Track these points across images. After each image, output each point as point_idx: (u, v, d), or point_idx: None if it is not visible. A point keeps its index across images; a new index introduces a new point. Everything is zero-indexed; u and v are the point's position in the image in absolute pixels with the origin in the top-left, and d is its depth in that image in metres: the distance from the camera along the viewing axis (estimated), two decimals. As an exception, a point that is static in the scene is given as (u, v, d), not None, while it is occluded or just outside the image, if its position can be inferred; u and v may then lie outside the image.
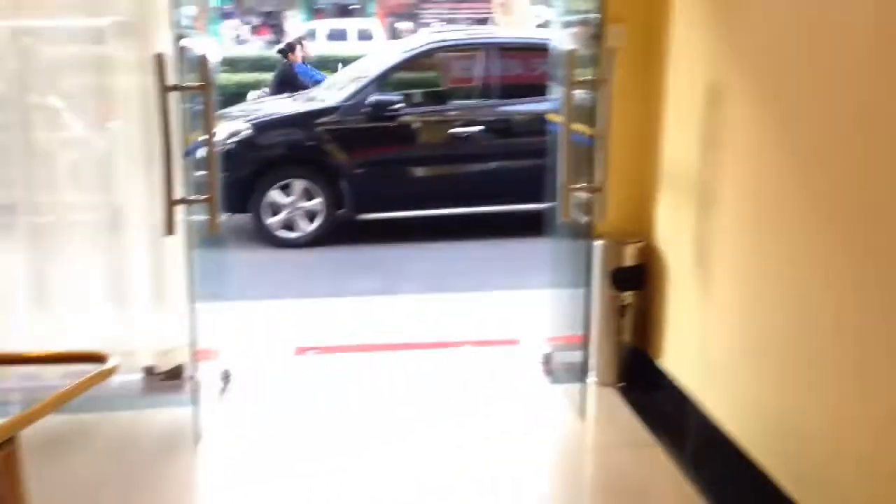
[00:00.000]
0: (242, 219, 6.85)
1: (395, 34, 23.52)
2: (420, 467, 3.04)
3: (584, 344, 3.51)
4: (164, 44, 3.23)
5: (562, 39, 3.78)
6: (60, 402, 1.98)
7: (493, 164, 7.09)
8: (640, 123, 3.59)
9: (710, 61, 3.08)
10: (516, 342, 4.26)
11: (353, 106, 6.97)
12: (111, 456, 3.09)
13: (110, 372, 2.16)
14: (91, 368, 2.18)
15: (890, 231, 2.10)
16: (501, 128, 7.16)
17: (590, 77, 3.30)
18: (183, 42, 3.28)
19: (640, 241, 3.57)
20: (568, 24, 3.83)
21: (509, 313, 4.81)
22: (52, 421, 2.02)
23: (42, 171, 3.42)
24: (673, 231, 3.45)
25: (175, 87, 3.08)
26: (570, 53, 3.30)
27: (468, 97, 7.40)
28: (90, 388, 2.13)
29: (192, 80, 3.17)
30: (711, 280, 3.08)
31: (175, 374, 3.60)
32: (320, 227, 6.88)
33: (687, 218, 3.25)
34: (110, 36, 3.40)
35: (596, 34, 3.38)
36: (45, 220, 3.43)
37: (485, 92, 7.33)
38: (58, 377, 3.32)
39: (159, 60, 2.98)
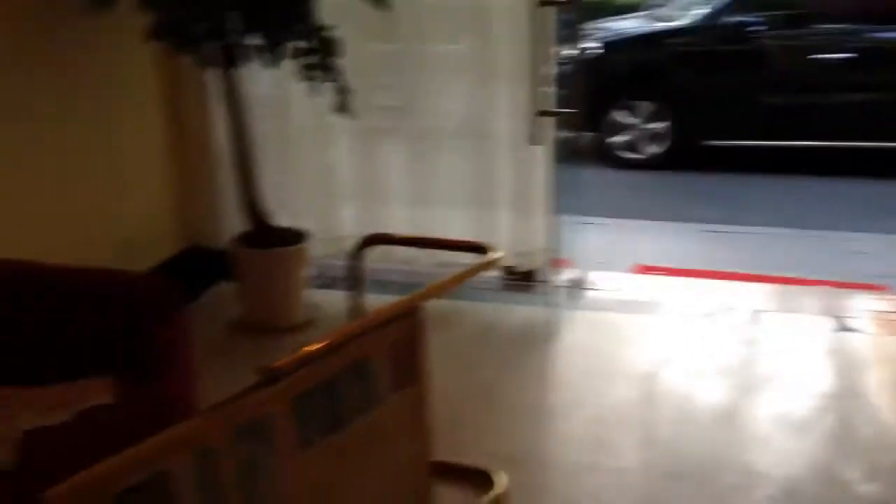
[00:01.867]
0: (586, 137, 6.96)
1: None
2: (770, 398, 3.01)
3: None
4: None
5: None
6: (456, 282, 2.21)
7: (859, 96, 6.51)
8: None
9: None
10: (881, 288, 3.96)
11: (707, 27, 6.73)
12: (478, 340, 3.40)
13: (495, 261, 2.37)
14: (472, 258, 2.41)
15: None
16: (873, 57, 6.52)
17: None
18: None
19: None
20: None
21: (867, 256, 4.48)
22: (429, 302, 2.28)
23: (426, 79, 3.71)
24: None
25: (548, 2, 3.20)
26: None
27: (833, 21, 6.80)
28: (477, 274, 2.36)
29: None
30: None
31: (530, 277, 3.83)
32: (663, 150, 6.80)
33: None
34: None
35: None
36: (425, 123, 3.74)
37: (854, 16, 6.68)
38: (430, 265, 3.70)
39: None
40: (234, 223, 3.75)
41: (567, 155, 3.60)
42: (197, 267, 3.80)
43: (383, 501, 2.03)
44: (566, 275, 3.87)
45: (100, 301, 2.17)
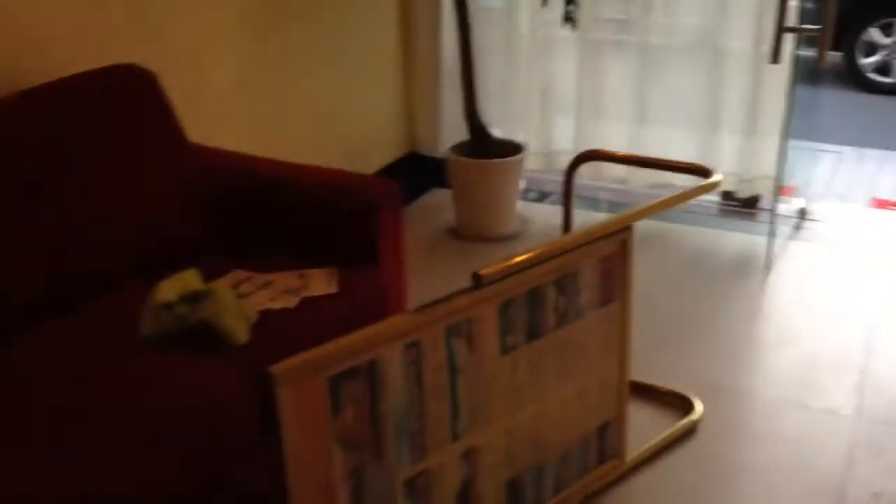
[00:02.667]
0: (832, 56, 6.42)
1: None
2: None
3: None
4: None
5: None
6: (672, 203, 2.17)
7: None
8: None
9: None
10: None
11: None
12: (687, 264, 3.32)
13: (714, 186, 2.29)
14: (690, 181, 2.34)
15: None
16: None
17: None
18: None
19: None
20: None
21: None
22: (642, 222, 2.24)
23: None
24: None
25: None
26: None
27: None
28: (695, 197, 2.30)
29: None
30: None
31: (751, 203, 3.67)
32: (920, 75, 6.17)
33: None
34: None
35: None
36: (653, 38, 3.61)
37: None
38: (645, 186, 3.64)
39: None
40: (453, 132, 3.85)
41: (808, 76, 3.36)
42: (415, 173, 3.95)
43: (577, 412, 2.09)
44: (792, 204, 3.67)
45: (330, 198, 2.33)
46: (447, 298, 1.71)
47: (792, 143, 3.30)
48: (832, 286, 3.17)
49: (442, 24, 3.75)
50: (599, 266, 2.03)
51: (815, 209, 3.75)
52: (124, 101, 2.25)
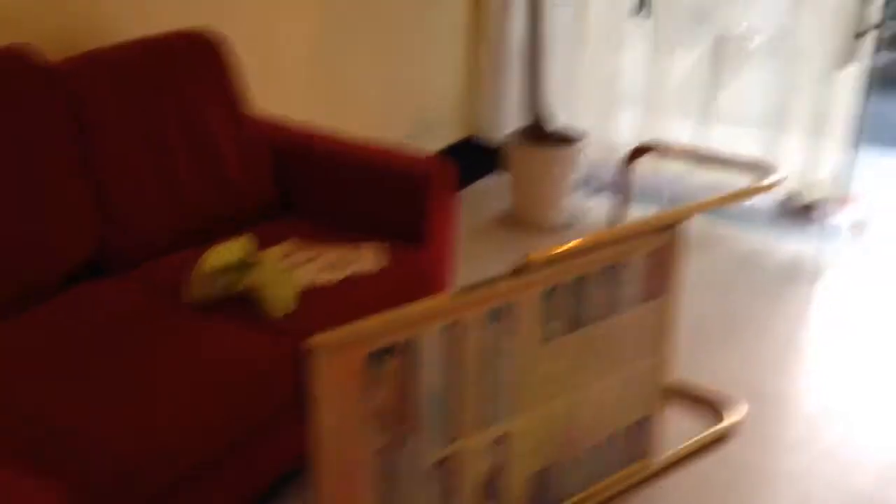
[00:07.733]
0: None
1: None
2: None
3: None
4: None
5: None
6: (725, 202, 2.13)
7: None
8: None
9: None
10: None
11: None
12: (739, 267, 3.26)
13: (773, 185, 2.24)
14: (751, 181, 2.29)
15: None
16: None
17: None
18: None
19: None
20: None
21: None
22: (697, 221, 2.18)
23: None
24: None
25: None
26: None
27: None
28: (750, 197, 2.25)
29: None
30: None
31: (809, 210, 3.59)
32: None
33: None
34: None
35: None
36: (725, 35, 3.54)
37: None
38: (704, 183, 3.59)
39: None
40: (512, 118, 3.83)
41: (884, 80, 3.27)
42: (473, 157, 3.95)
43: (614, 407, 2.07)
44: (852, 213, 3.58)
45: (385, 174, 2.35)
46: (490, 282, 1.71)
47: (861, 149, 3.21)
48: (884, 299, 3.09)
49: (513, 9, 3.72)
50: (648, 260, 2.01)
51: (876, 220, 3.65)
52: (186, 66, 2.29)
